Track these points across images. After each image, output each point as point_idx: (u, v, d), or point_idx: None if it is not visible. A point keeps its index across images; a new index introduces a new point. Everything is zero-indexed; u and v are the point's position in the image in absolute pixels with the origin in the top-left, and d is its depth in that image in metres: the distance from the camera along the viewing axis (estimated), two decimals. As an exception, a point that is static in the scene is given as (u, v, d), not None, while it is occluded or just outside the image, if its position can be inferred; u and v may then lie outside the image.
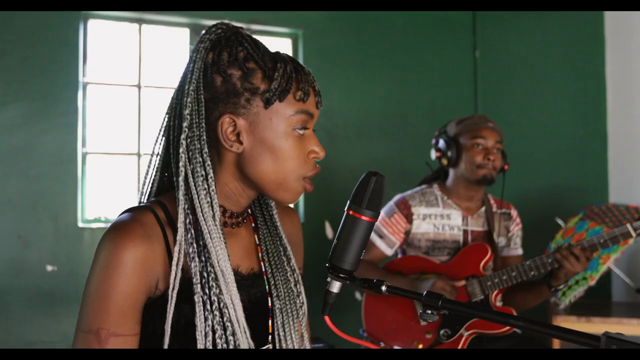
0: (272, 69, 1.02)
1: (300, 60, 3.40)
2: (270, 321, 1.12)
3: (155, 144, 1.11)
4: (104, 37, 3.28)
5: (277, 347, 1.11)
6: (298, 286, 1.17)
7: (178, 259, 0.98)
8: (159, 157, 1.11)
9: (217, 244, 0.99)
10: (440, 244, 2.35)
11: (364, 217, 0.92)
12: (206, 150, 1.02)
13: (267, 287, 1.12)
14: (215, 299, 0.98)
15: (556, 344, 2.84)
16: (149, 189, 1.12)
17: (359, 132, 3.53)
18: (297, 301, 1.16)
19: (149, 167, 1.12)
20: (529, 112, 3.78)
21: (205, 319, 0.97)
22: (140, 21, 3.31)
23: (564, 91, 3.85)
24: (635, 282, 3.21)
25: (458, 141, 2.38)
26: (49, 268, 2.99)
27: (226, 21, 1.07)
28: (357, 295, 3.34)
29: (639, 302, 3.21)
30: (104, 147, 3.27)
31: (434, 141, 2.49)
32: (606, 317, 2.87)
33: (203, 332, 0.97)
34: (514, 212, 2.47)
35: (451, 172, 2.42)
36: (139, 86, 3.32)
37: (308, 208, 3.47)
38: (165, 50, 3.39)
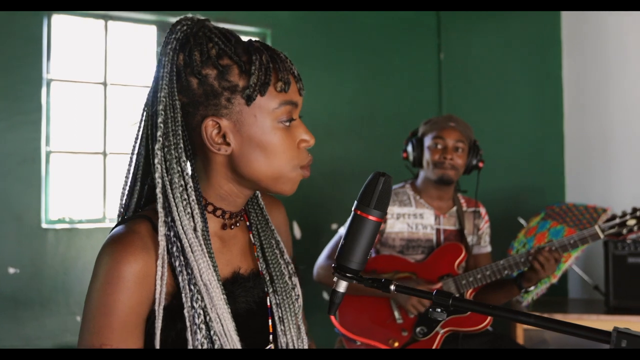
0: (247, 63, 0.98)
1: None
2: (270, 320, 1.11)
3: (132, 154, 1.06)
4: (69, 33, 3.19)
5: (278, 342, 1.10)
6: (292, 279, 1.17)
7: (162, 273, 0.96)
8: (139, 167, 1.05)
9: (198, 257, 0.96)
10: (414, 243, 2.38)
11: (371, 217, 0.92)
12: (184, 158, 0.99)
13: (264, 286, 1.12)
14: (201, 311, 0.96)
15: (520, 340, 2.92)
16: (127, 201, 1.07)
17: (327, 132, 3.53)
18: (293, 294, 1.15)
19: (127, 177, 1.07)
20: (490, 114, 3.86)
21: (195, 332, 0.95)
22: (106, 17, 3.23)
23: (523, 93, 3.96)
24: (592, 279, 3.33)
25: (423, 142, 2.43)
26: (12, 270, 2.89)
27: (190, 15, 1.03)
28: (325, 295, 3.36)
29: (594, 299, 3.33)
30: (69, 145, 3.18)
31: (404, 142, 2.53)
32: (566, 313, 2.96)
33: (192, 346, 0.96)
34: (482, 210, 2.52)
35: (420, 172, 2.47)
36: (104, 84, 3.25)
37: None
38: (132, 47, 3.33)
